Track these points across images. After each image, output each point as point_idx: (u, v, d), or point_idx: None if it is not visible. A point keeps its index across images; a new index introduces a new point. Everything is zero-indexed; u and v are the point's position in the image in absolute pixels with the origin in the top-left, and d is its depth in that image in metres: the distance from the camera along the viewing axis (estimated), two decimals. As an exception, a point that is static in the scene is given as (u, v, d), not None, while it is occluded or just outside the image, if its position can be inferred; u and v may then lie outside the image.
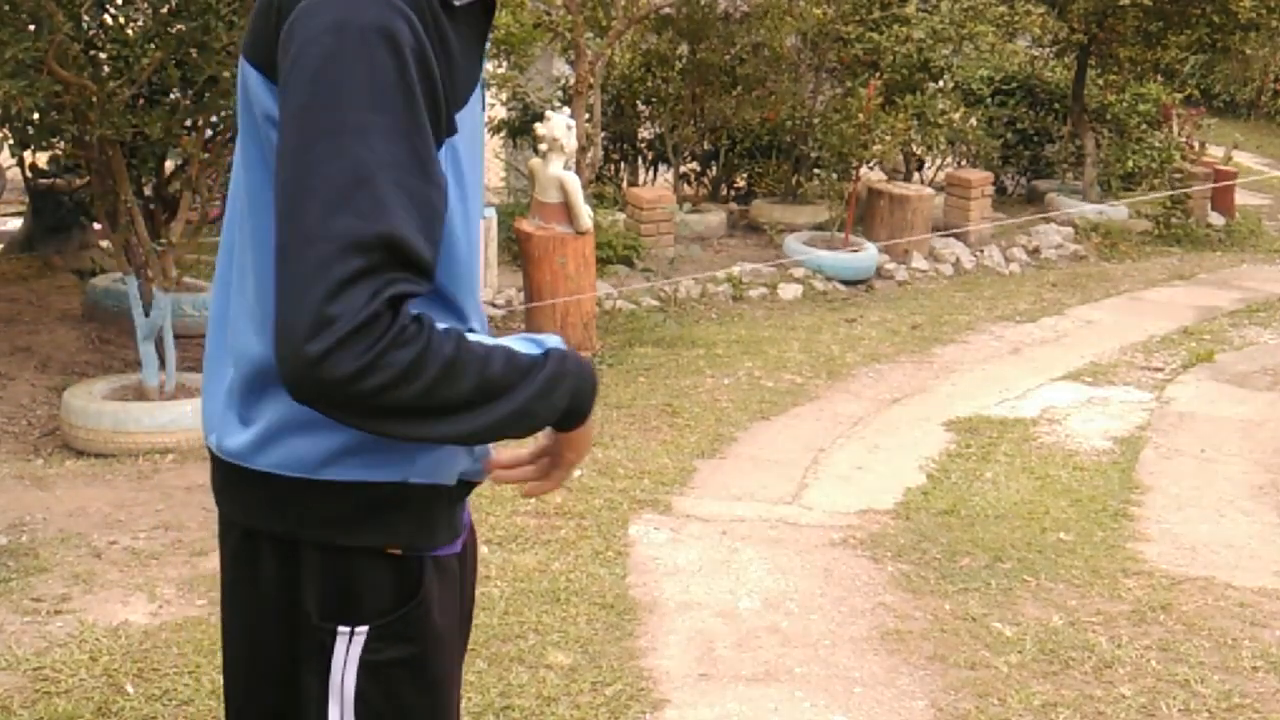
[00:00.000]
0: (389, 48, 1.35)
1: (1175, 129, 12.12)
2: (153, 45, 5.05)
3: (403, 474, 1.50)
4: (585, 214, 6.69)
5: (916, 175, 11.46)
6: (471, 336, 1.42)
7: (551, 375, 1.46)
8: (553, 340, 1.50)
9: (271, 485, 1.50)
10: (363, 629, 1.50)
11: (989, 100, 11.95)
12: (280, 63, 1.38)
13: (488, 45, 1.73)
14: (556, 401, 1.47)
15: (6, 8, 4.62)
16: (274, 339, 1.34)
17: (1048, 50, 11.91)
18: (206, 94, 5.26)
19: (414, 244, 1.35)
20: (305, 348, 1.29)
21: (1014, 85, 12.16)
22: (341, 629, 1.50)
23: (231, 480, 1.55)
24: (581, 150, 7.94)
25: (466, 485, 1.61)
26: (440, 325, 1.38)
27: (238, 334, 1.52)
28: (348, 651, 1.50)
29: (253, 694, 1.66)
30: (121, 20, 5.30)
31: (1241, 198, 12.33)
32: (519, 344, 1.47)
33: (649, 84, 10.22)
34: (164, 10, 5.08)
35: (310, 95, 1.34)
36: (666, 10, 9.37)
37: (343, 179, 1.32)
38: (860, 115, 9.04)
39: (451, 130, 1.46)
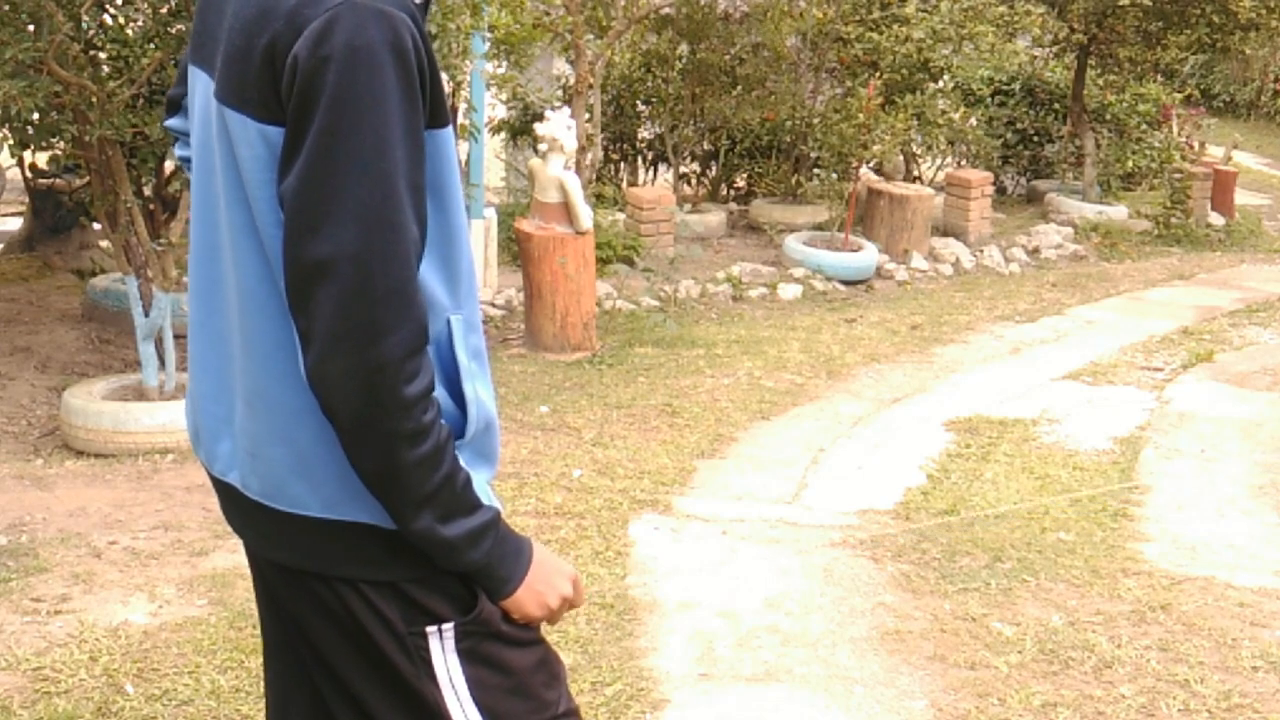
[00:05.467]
0: (398, 61, 1.40)
1: (1175, 129, 12.13)
2: (153, 45, 5.05)
3: None
4: (585, 214, 6.69)
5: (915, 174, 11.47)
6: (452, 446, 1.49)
7: (487, 525, 1.52)
8: (499, 504, 1.57)
9: (320, 528, 1.55)
10: (449, 625, 1.56)
11: (989, 100, 11.95)
12: (286, 93, 1.41)
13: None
14: (476, 555, 1.52)
15: (6, 8, 4.62)
16: (320, 346, 1.40)
17: (1048, 50, 11.91)
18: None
19: (419, 236, 1.45)
20: (379, 351, 1.38)
21: (1014, 85, 12.16)
22: (430, 629, 1.56)
23: (275, 523, 1.58)
24: (581, 150, 7.94)
25: None
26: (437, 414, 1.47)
27: (276, 387, 1.54)
28: (443, 646, 1.57)
29: None
30: (121, 20, 5.30)
31: (1241, 198, 12.33)
32: (481, 483, 1.54)
33: (649, 84, 10.22)
34: (164, 10, 5.08)
35: (331, 118, 1.38)
36: (666, 10, 9.38)
37: (374, 197, 1.39)
38: (860, 115, 9.04)
39: (448, 120, 1.53)
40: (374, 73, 1.38)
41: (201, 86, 1.58)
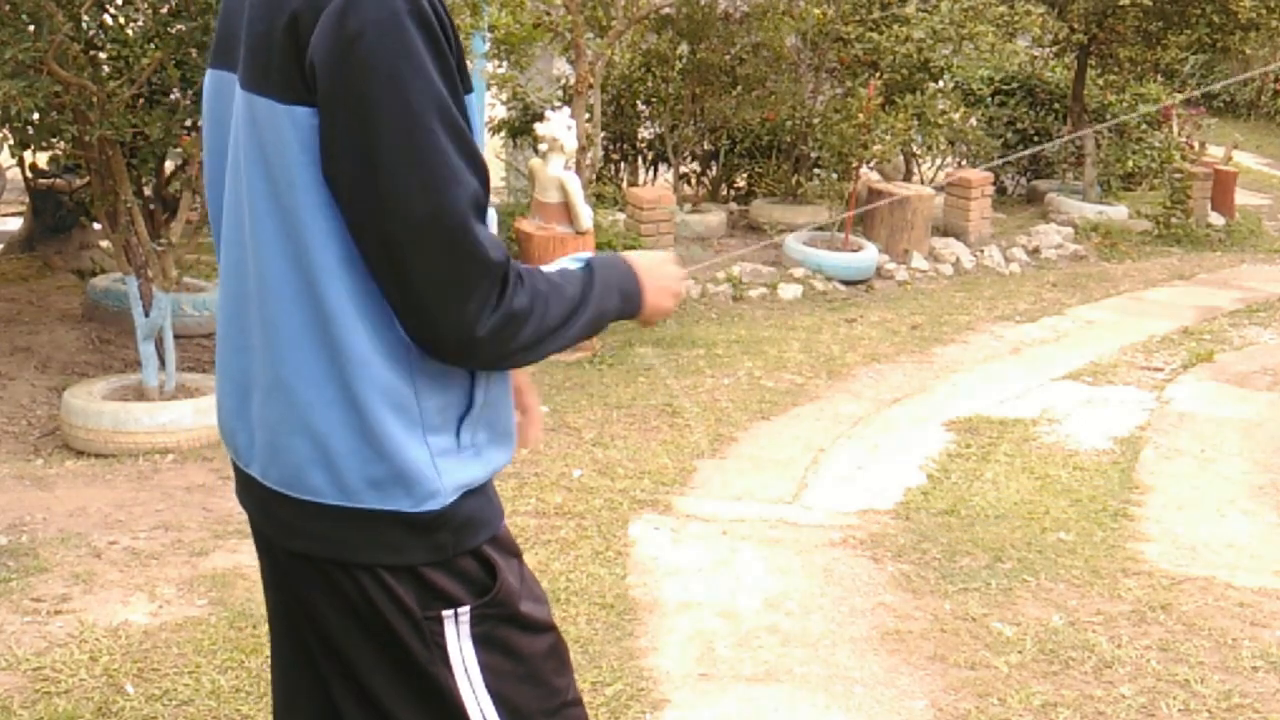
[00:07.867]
0: (424, 26, 1.43)
1: (1175, 129, 12.13)
2: (153, 45, 5.05)
3: (440, 501, 1.56)
4: (585, 214, 6.68)
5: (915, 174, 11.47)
6: (543, 269, 1.59)
7: (603, 280, 1.62)
8: (585, 253, 1.66)
9: (340, 515, 1.56)
10: (464, 608, 1.58)
11: (989, 100, 11.95)
12: (312, 74, 1.43)
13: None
14: (611, 300, 1.62)
15: (6, 8, 4.62)
16: (424, 321, 1.47)
17: (1048, 50, 11.91)
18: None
19: (482, 191, 1.50)
20: (474, 331, 1.47)
21: (1014, 85, 12.16)
22: (446, 612, 1.58)
23: (295, 512, 1.59)
24: (581, 150, 7.94)
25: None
26: (522, 266, 1.55)
27: (304, 380, 1.55)
28: (458, 631, 1.58)
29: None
30: (121, 20, 5.30)
31: (1241, 198, 12.33)
32: (569, 262, 1.63)
33: (649, 84, 10.21)
34: (164, 10, 5.08)
35: (372, 90, 1.41)
36: (666, 10, 9.37)
37: (429, 160, 1.43)
38: (860, 115, 9.04)
39: (470, 86, 1.55)
40: (402, 40, 1.41)
41: (225, 86, 1.61)
